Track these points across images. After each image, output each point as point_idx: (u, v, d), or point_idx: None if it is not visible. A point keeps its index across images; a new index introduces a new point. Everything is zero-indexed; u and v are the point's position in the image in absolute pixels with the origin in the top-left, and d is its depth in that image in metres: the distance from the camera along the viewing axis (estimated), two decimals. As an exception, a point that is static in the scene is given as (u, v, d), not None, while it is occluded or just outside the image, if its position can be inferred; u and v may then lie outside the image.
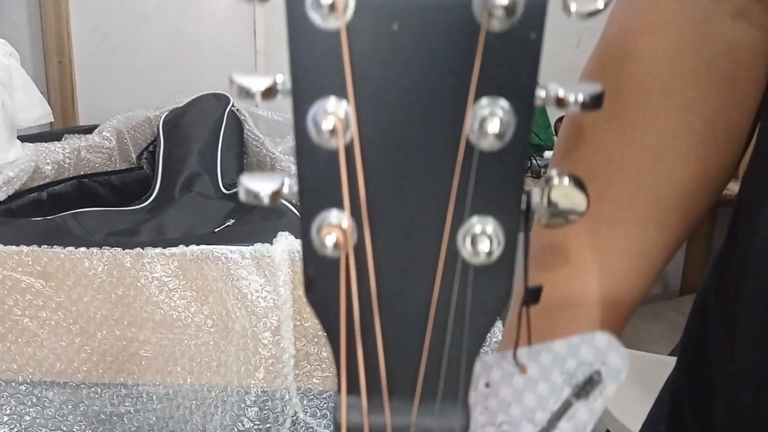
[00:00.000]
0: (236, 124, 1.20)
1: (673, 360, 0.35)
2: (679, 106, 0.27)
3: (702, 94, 0.27)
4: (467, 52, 0.14)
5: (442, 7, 0.14)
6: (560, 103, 0.15)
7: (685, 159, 0.27)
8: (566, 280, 0.28)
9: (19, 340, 0.74)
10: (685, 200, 0.28)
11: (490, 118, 0.14)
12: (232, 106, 1.24)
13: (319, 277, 0.16)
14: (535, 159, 1.43)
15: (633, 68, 0.28)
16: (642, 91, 0.27)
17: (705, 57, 0.27)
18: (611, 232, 0.28)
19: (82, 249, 0.72)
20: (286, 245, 0.70)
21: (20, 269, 0.72)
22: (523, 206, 0.15)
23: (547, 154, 1.47)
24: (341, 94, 0.15)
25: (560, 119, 1.51)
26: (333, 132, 0.15)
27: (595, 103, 0.15)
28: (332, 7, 0.13)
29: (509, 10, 0.13)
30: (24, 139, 1.00)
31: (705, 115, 0.27)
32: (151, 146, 1.17)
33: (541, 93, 0.15)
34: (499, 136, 0.14)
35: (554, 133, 1.55)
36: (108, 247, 0.72)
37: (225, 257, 0.69)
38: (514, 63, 0.14)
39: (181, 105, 1.24)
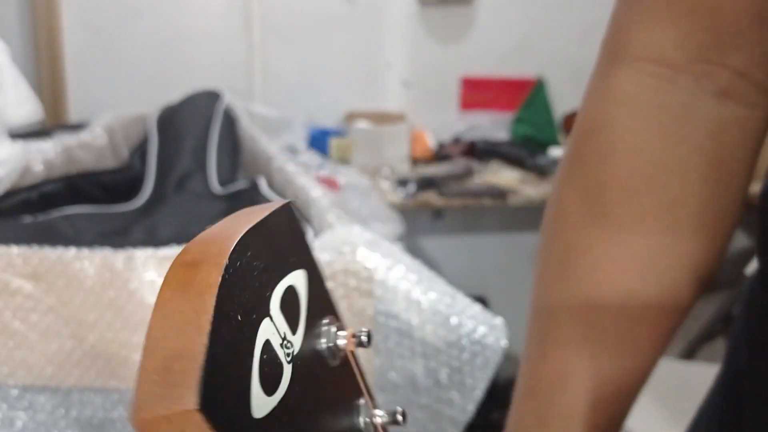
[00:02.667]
0: (231, 120, 1.19)
1: (672, 360, 0.34)
2: (665, 202, 0.26)
3: (689, 186, 0.26)
4: None
5: None
6: None
7: (676, 256, 0.27)
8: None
9: (10, 342, 0.74)
10: (678, 294, 0.27)
11: None
12: (227, 102, 1.22)
13: None
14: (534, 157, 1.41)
15: (614, 166, 0.27)
16: (626, 190, 0.26)
17: (690, 145, 0.26)
18: (604, 333, 0.27)
19: (73, 250, 0.71)
20: (281, 247, 0.68)
21: (10, 270, 0.72)
22: None
23: (552, 152, 1.45)
24: None
25: (569, 116, 1.49)
26: None
27: None
28: None
29: None
30: (13, 135, 0.99)
31: (693, 208, 0.26)
32: (144, 144, 1.16)
33: None
34: None
35: (560, 129, 1.53)
36: (100, 248, 0.71)
37: (218, 259, 0.68)
38: None
39: (174, 102, 1.23)
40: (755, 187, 0.29)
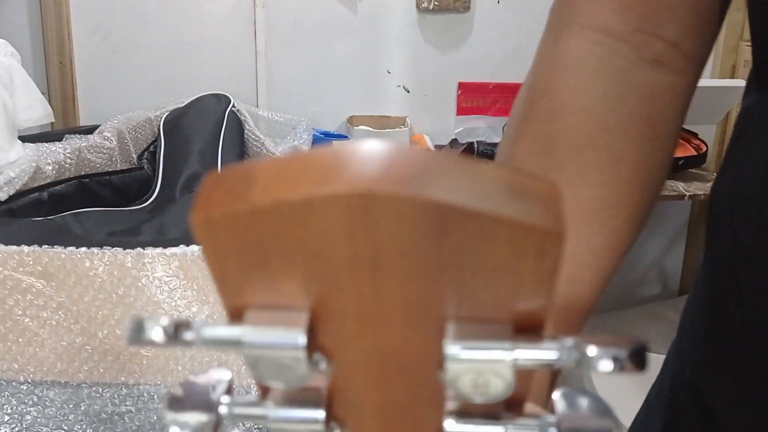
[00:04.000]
0: (237, 124, 1.20)
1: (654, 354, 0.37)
2: (608, 159, 0.29)
3: (628, 145, 0.29)
4: None
5: None
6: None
7: (616, 207, 0.29)
8: None
9: (20, 339, 0.74)
10: (618, 241, 0.30)
11: None
12: (233, 106, 1.24)
13: None
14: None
15: (564, 125, 0.29)
16: (574, 147, 0.29)
17: (629, 107, 0.29)
18: None
19: (83, 249, 0.72)
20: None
21: (21, 269, 0.72)
22: None
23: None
24: None
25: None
26: None
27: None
28: None
29: None
30: (25, 139, 1.00)
31: (632, 164, 0.29)
32: (152, 146, 1.17)
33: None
34: None
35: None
36: (109, 247, 0.72)
37: (226, 257, 0.69)
38: None
39: (181, 105, 1.25)
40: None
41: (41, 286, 0.73)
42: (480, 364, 0.12)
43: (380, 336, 0.12)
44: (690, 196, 1.38)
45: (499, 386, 0.12)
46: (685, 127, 1.39)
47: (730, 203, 0.29)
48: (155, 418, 0.76)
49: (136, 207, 1.01)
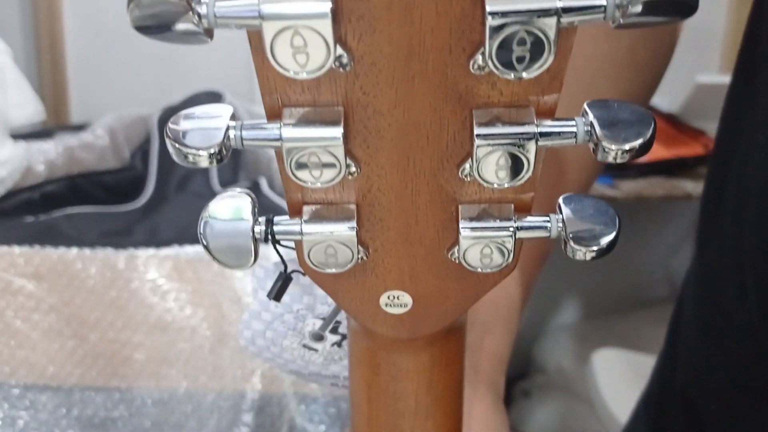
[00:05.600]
0: (232, 121, 1.19)
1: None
2: (602, 33, 0.31)
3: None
4: None
5: None
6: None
7: (613, 80, 0.31)
8: None
9: (12, 342, 0.74)
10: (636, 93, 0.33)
11: None
12: (228, 103, 1.23)
13: None
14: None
15: None
16: None
17: None
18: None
19: (75, 250, 0.72)
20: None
21: (12, 270, 0.72)
22: None
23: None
24: None
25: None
26: None
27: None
28: None
29: None
30: (15, 135, 0.99)
31: (627, 43, 0.31)
32: (145, 145, 1.16)
33: None
34: None
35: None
36: (101, 248, 0.72)
37: (220, 259, 0.68)
38: None
39: (175, 104, 1.23)
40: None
41: (33, 288, 0.73)
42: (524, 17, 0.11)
43: (408, 11, 0.12)
44: (698, 196, 1.36)
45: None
46: (693, 125, 1.37)
47: (738, 199, 0.28)
48: (148, 424, 0.75)
49: (129, 206, 1.00)
